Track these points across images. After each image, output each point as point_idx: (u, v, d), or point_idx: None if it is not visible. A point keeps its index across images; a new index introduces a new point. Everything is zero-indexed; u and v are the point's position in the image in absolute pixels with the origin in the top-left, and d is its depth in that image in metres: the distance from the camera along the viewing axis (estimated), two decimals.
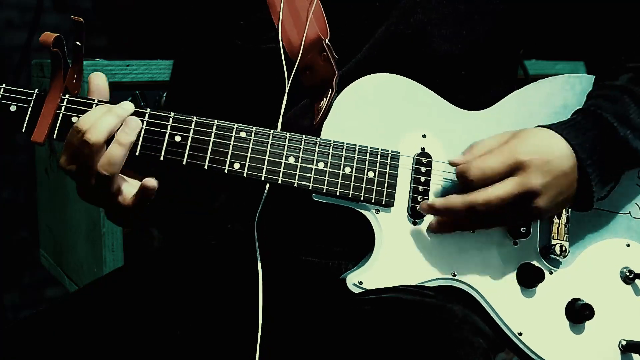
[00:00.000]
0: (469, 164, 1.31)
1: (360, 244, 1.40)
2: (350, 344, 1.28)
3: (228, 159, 1.34)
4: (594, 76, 1.49)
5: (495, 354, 1.41)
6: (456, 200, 1.31)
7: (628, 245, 1.46)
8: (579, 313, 1.40)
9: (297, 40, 1.47)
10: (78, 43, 1.32)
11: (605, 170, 1.35)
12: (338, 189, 1.36)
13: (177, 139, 1.34)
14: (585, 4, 1.51)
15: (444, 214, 1.34)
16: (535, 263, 1.41)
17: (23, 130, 1.31)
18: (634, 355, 1.42)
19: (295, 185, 1.35)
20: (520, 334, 1.39)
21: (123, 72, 2.20)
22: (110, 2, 3.99)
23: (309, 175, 1.36)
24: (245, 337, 1.42)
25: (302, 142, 1.36)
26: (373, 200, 1.37)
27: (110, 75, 2.15)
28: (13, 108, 1.31)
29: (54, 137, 1.32)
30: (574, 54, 2.55)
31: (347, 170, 1.37)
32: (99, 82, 1.37)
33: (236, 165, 1.34)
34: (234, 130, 1.35)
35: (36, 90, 1.32)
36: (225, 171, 1.34)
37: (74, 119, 1.32)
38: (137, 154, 1.32)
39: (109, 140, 1.29)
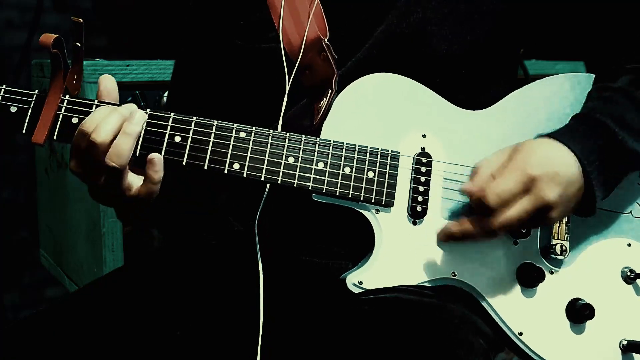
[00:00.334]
0: (484, 191, 1.30)
1: (360, 244, 1.40)
2: (351, 344, 1.28)
3: (228, 159, 1.34)
4: (594, 75, 1.49)
5: (495, 353, 1.41)
6: (474, 226, 1.32)
7: (629, 244, 1.45)
8: (579, 313, 1.39)
9: (297, 40, 1.47)
10: (78, 44, 1.32)
11: (606, 174, 1.35)
12: (338, 189, 1.36)
13: (177, 139, 1.34)
14: (585, 4, 1.51)
15: (462, 238, 1.35)
16: (535, 263, 1.41)
17: (23, 132, 1.31)
18: (635, 355, 1.42)
19: (295, 185, 1.35)
20: (521, 333, 1.39)
21: (123, 72, 2.20)
22: (110, 2, 3.99)
23: (309, 175, 1.36)
24: (245, 337, 1.42)
25: (302, 142, 1.36)
26: (373, 200, 1.37)
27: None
28: (13, 109, 1.31)
29: (54, 138, 1.32)
30: (574, 54, 2.55)
31: (347, 170, 1.37)
32: (107, 84, 1.36)
33: (236, 166, 1.34)
34: (234, 131, 1.35)
35: (36, 91, 1.32)
36: (225, 171, 1.34)
37: (74, 120, 1.32)
38: (137, 154, 1.32)
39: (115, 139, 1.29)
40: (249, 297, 1.43)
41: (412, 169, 1.40)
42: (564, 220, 1.42)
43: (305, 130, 1.39)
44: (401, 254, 1.37)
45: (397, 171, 1.38)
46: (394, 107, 1.41)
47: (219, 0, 1.57)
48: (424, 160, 1.40)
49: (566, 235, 1.43)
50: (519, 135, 1.43)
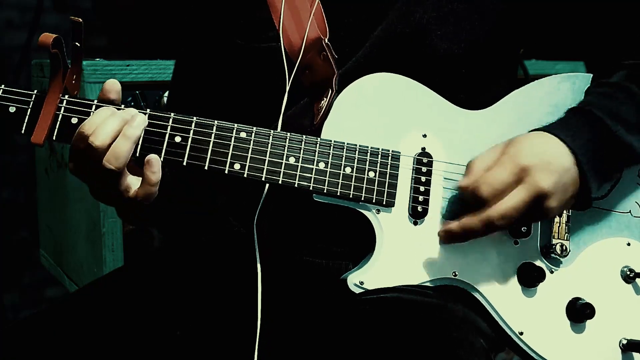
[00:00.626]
0: (477, 182, 1.30)
1: (361, 244, 1.40)
2: (351, 344, 1.28)
3: (228, 160, 1.34)
4: (592, 75, 1.49)
5: (495, 353, 1.41)
6: (472, 220, 1.31)
7: (628, 244, 1.46)
8: (579, 312, 1.40)
9: (298, 40, 1.47)
10: (77, 44, 1.31)
11: (601, 167, 1.35)
12: (339, 189, 1.36)
13: (177, 139, 1.33)
14: (585, 4, 1.51)
15: (463, 235, 1.34)
16: (536, 262, 1.41)
17: (22, 132, 1.31)
18: (635, 355, 1.42)
19: (296, 185, 1.35)
20: (521, 333, 1.39)
21: (123, 72, 2.20)
22: (110, 2, 3.99)
23: (310, 175, 1.36)
24: (244, 337, 1.42)
25: (303, 143, 1.36)
26: (374, 201, 1.37)
27: (110, 75, 2.16)
28: (12, 109, 1.31)
29: (54, 138, 1.31)
30: (574, 54, 2.55)
31: (348, 170, 1.37)
32: (109, 87, 1.36)
33: (236, 166, 1.34)
34: (234, 131, 1.35)
35: (35, 91, 1.32)
36: (226, 172, 1.34)
37: (73, 120, 1.31)
38: (137, 154, 1.32)
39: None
40: (249, 297, 1.43)
41: (413, 169, 1.40)
42: (564, 220, 1.42)
43: (306, 130, 1.39)
44: (402, 254, 1.37)
45: (397, 171, 1.38)
46: (395, 107, 1.41)
47: (219, 0, 1.57)
48: (425, 160, 1.40)
49: (566, 234, 1.43)
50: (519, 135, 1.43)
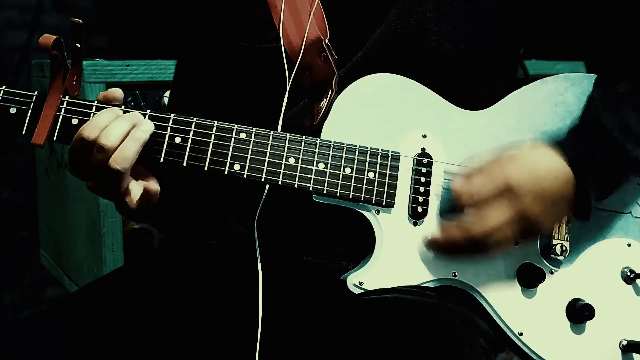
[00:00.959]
0: (461, 189, 1.30)
1: (361, 244, 1.40)
2: (351, 344, 1.28)
3: (228, 160, 1.34)
4: (594, 75, 1.49)
5: (495, 354, 1.41)
6: (455, 233, 1.30)
7: (629, 244, 1.45)
8: (579, 313, 1.40)
9: (298, 41, 1.47)
10: (77, 45, 1.31)
11: (605, 182, 1.35)
12: (338, 190, 1.36)
13: (177, 140, 1.34)
14: (585, 4, 1.51)
15: (448, 247, 1.33)
16: (535, 263, 1.41)
17: (23, 133, 1.31)
18: (635, 356, 1.42)
19: (296, 186, 1.35)
20: (521, 334, 1.39)
21: (123, 72, 2.20)
22: (110, 2, 3.99)
23: (309, 176, 1.36)
24: (245, 337, 1.42)
25: (302, 143, 1.36)
26: (373, 201, 1.37)
27: (110, 75, 2.16)
28: (13, 110, 1.31)
29: (54, 139, 1.31)
30: (574, 54, 2.55)
31: (348, 171, 1.37)
32: (117, 96, 1.36)
33: (236, 167, 1.34)
34: (234, 132, 1.35)
35: (36, 92, 1.32)
36: (226, 172, 1.34)
37: (74, 121, 1.31)
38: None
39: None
40: (249, 298, 1.43)
41: (413, 170, 1.40)
42: (564, 221, 1.42)
43: (305, 131, 1.39)
44: (402, 255, 1.37)
45: (397, 172, 1.38)
46: (394, 108, 1.41)
47: (219, 1, 1.57)
48: (425, 160, 1.40)
49: (566, 235, 1.43)
50: (519, 135, 1.43)
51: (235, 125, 1.35)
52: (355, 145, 1.37)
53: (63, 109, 1.32)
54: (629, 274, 1.43)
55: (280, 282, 1.47)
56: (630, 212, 1.47)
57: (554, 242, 1.42)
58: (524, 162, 1.31)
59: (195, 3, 1.62)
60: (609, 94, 1.41)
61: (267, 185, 1.43)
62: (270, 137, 1.36)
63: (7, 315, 3.54)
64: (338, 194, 1.36)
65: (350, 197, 1.36)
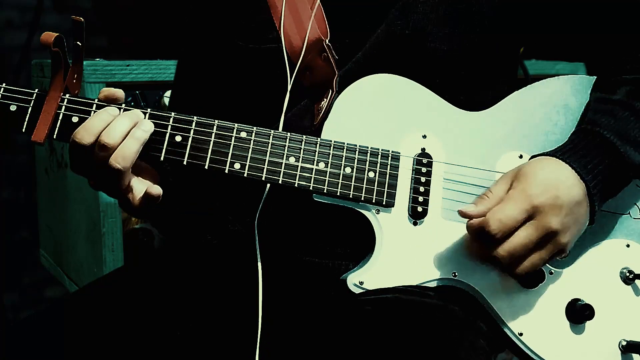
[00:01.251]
0: (487, 217, 1.29)
1: (361, 244, 1.40)
2: (351, 344, 1.28)
3: (228, 159, 1.34)
4: (594, 77, 1.49)
5: (495, 354, 1.41)
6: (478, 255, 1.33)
7: (628, 245, 1.45)
8: (579, 313, 1.40)
9: (298, 41, 1.47)
10: (78, 43, 1.31)
11: (608, 190, 1.36)
12: (339, 189, 1.36)
13: (178, 139, 1.34)
14: (585, 4, 1.51)
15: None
16: None
17: (23, 130, 1.30)
18: (634, 356, 1.42)
19: (296, 185, 1.35)
20: (521, 334, 1.39)
21: (123, 72, 2.20)
22: (110, 2, 3.99)
23: (310, 175, 1.36)
24: (245, 337, 1.42)
25: (303, 143, 1.36)
26: (373, 201, 1.37)
27: (110, 75, 2.16)
28: (13, 108, 1.31)
29: (54, 137, 1.31)
30: (574, 54, 2.55)
31: (348, 170, 1.37)
32: (118, 96, 1.36)
33: (237, 166, 1.34)
34: (235, 131, 1.35)
35: (36, 90, 1.32)
36: (226, 171, 1.34)
37: (74, 119, 1.31)
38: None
39: None
40: (249, 298, 1.43)
41: (413, 170, 1.40)
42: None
43: (306, 131, 1.40)
44: (402, 255, 1.37)
45: (397, 171, 1.38)
46: (394, 108, 1.41)
47: (219, 2, 1.57)
48: (425, 160, 1.40)
49: None
50: (519, 137, 1.43)
51: (236, 124, 1.35)
52: (356, 145, 1.37)
53: (63, 107, 1.32)
54: (628, 274, 1.43)
55: (280, 282, 1.46)
56: (629, 214, 1.47)
57: None
58: (540, 178, 1.31)
59: (196, 3, 1.63)
60: (607, 99, 1.41)
61: (268, 185, 1.43)
62: (271, 137, 1.36)
63: (7, 315, 3.54)
64: (338, 194, 1.36)
65: (351, 196, 1.36)
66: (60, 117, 1.31)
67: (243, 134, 1.35)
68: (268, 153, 1.35)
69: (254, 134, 1.35)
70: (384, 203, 1.37)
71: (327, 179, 1.36)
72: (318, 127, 1.40)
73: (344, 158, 1.37)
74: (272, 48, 1.48)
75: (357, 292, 1.36)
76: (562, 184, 1.31)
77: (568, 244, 1.33)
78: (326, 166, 1.36)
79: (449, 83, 1.45)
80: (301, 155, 1.36)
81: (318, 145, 1.37)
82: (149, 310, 1.45)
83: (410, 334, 1.27)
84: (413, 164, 1.40)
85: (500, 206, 1.30)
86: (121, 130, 1.28)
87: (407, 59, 1.44)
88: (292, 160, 1.36)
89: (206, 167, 1.34)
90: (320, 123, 1.40)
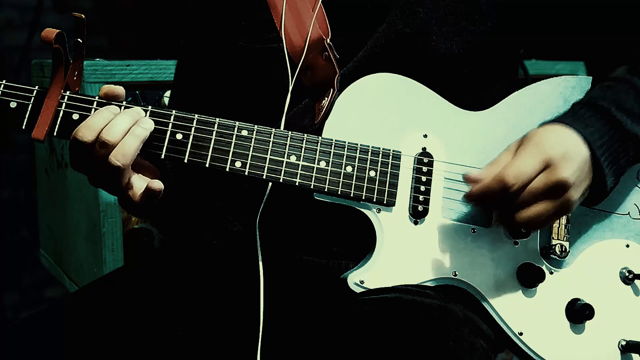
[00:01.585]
0: (503, 171, 1.29)
1: (362, 243, 1.40)
2: (351, 343, 1.28)
3: (229, 158, 1.34)
4: (592, 77, 1.49)
5: (495, 354, 1.41)
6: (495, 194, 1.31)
7: (627, 245, 1.46)
8: (579, 313, 1.40)
9: (300, 40, 1.47)
10: (79, 40, 1.31)
11: (612, 157, 1.35)
12: (340, 188, 1.36)
13: (179, 136, 1.34)
14: (584, 4, 1.51)
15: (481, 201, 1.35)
16: (535, 263, 1.41)
17: (23, 127, 1.30)
18: (634, 355, 1.42)
19: (297, 184, 1.35)
20: (521, 333, 1.39)
21: (123, 72, 2.20)
22: (110, 2, 4.00)
23: (311, 174, 1.36)
24: (246, 336, 1.42)
25: (304, 141, 1.36)
26: (374, 200, 1.37)
27: (110, 75, 2.16)
28: (13, 105, 1.30)
29: (55, 134, 1.31)
30: (574, 54, 2.55)
31: (349, 169, 1.37)
32: (119, 93, 1.36)
33: (237, 164, 1.34)
34: (236, 129, 1.35)
35: (36, 87, 1.32)
36: (227, 169, 1.34)
37: (74, 116, 1.31)
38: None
39: None
40: (249, 297, 1.43)
41: (414, 169, 1.40)
42: (564, 221, 1.42)
43: (307, 130, 1.39)
44: (402, 254, 1.38)
45: (398, 171, 1.39)
46: (395, 107, 1.41)
47: (220, 2, 1.57)
48: (425, 160, 1.40)
49: (566, 235, 1.43)
50: (520, 136, 1.43)
51: (237, 123, 1.35)
52: (357, 144, 1.37)
53: (64, 104, 1.32)
54: (627, 274, 1.44)
55: (280, 281, 1.47)
56: (629, 214, 1.47)
57: (554, 242, 1.42)
58: (551, 134, 1.32)
59: (197, 3, 1.63)
60: (605, 78, 1.42)
61: (270, 184, 1.43)
62: (272, 135, 1.36)
63: (7, 315, 3.55)
64: (339, 193, 1.36)
65: (352, 195, 1.36)
66: (60, 114, 1.31)
67: (244, 133, 1.35)
68: (269, 151, 1.35)
69: (255, 132, 1.35)
70: (384, 202, 1.37)
71: (328, 177, 1.36)
72: (319, 126, 1.40)
73: (345, 157, 1.37)
74: (273, 47, 1.49)
75: (357, 291, 1.36)
76: (568, 141, 1.31)
77: (574, 203, 1.32)
78: (327, 165, 1.36)
79: (450, 82, 1.45)
80: (302, 154, 1.36)
81: (319, 144, 1.37)
82: (149, 311, 1.44)
83: (410, 333, 1.27)
84: (414, 163, 1.40)
85: (513, 161, 1.30)
86: (122, 127, 1.28)
87: (408, 58, 1.44)
88: (293, 159, 1.36)
89: (207, 165, 1.34)
90: (321, 122, 1.40)
